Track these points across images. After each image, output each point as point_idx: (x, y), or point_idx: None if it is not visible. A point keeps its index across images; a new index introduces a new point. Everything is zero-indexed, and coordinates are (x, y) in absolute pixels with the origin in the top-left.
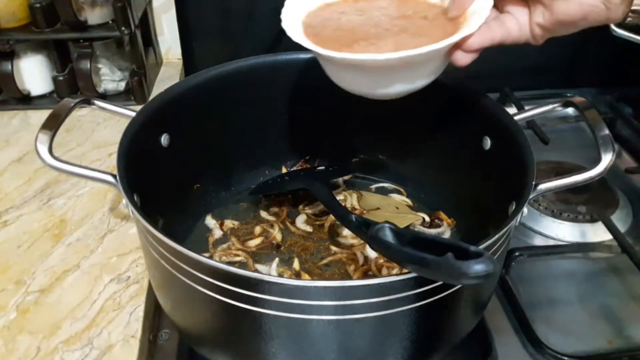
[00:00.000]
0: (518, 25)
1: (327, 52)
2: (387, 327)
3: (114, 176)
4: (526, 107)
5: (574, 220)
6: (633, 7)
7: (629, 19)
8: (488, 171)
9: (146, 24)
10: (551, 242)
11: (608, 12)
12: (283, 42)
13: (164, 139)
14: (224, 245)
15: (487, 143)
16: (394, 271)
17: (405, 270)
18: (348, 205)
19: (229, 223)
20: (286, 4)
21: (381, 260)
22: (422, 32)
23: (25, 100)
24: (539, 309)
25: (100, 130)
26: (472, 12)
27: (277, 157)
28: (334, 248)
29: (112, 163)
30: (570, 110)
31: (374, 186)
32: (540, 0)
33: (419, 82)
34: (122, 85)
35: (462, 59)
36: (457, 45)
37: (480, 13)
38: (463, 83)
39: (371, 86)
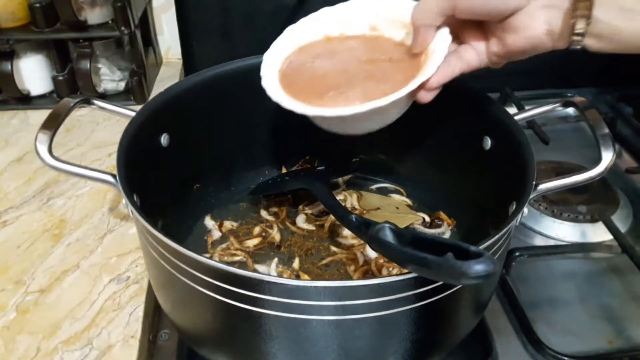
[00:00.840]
0: (477, 54)
1: (302, 111)
2: (387, 327)
3: (114, 176)
4: (526, 107)
5: (575, 220)
6: (576, 31)
7: (574, 44)
8: (488, 171)
9: (146, 24)
10: (551, 242)
11: (553, 42)
12: None
13: (164, 139)
14: (223, 245)
15: (488, 143)
16: (394, 271)
17: (405, 270)
18: (348, 205)
19: (228, 224)
20: (264, 59)
21: (381, 260)
22: (387, 77)
23: (25, 100)
24: (539, 309)
25: (100, 130)
26: (433, 50)
27: (277, 157)
28: (334, 248)
29: (111, 163)
30: (570, 110)
31: (374, 186)
32: (494, 33)
33: (386, 121)
34: (121, 85)
35: (425, 97)
36: (419, 86)
37: (438, 53)
38: (463, 83)
39: (345, 128)
